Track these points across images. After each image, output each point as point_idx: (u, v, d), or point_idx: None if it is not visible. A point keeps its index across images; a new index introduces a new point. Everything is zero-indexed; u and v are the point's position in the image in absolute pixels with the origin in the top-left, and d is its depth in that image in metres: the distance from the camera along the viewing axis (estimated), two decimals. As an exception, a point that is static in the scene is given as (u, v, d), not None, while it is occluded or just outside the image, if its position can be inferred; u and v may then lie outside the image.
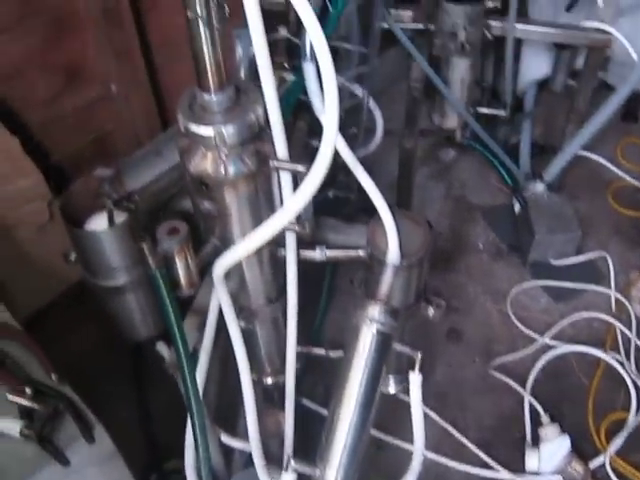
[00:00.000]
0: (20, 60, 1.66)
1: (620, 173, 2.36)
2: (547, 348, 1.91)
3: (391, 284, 1.23)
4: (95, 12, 1.66)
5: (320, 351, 1.49)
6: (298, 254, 1.24)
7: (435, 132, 2.00)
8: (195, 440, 1.12)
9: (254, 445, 1.29)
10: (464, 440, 1.73)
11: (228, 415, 1.52)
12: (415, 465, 1.27)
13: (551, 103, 2.28)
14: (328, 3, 1.23)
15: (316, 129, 1.35)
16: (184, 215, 1.35)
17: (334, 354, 1.47)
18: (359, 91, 1.62)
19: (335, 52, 1.47)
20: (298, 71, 1.37)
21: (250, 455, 1.30)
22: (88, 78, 1.80)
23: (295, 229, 1.16)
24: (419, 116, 1.80)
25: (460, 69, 1.78)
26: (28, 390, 1.06)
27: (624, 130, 2.48)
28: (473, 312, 2.01)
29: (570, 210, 2.06)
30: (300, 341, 1.32)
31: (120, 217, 1.36)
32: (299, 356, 1.35)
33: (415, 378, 1.24)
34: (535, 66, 2.11)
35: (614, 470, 1.66)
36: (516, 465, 1.69)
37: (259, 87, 1.03)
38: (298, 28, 1.44)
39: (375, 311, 1.20)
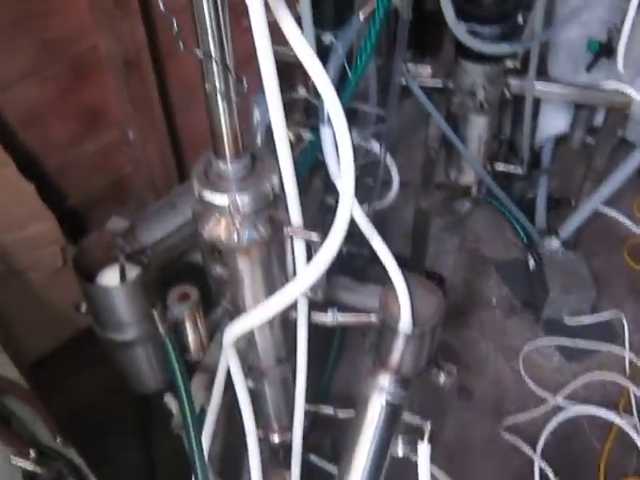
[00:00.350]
0: (39, 105, 1.68)
1: (636, 229, 2.33)
2: (558, 409, 1.88)
3: (402, 352, 1.22)
4: (116, 60, 1.67)
5: (329, 410, 1.47)
6: (309, 318, 1.23)
7: (451, 187, 1.99)
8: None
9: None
10: (473, 502, 1.71)
11: (233, 470, 1.51)
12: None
13: (568, 158, 2.27)
14: (347, 68, 1.23)
15: (332, 185, 1.35)
16: (195, 268, 1.35)
17: (343, 414, 1.45)
18: (376, 148, 1.62)
19: (353, 113, 1.48)
20: (316, 130, 1.37)
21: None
22: (106, 123, 1.81)
23: (307, 295, 1.15)
24: (435, 175, 1.79)
25: (478, 126, 1.77)
26: (32, 453, 1.05)
27: (641, 185, 2.47)
28: (484, 369, 1.99)
29: (585, 268, 2.04)
30: (308, 399, 1.30)
31: (132, 272, 1.35)
32: (307, 414, 1.33)
33: (424, 449, 1.22)
34: (553, 122, 2.11)
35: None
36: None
37: (275, 154, 1.03)
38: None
39: (385, 381, 1.19)
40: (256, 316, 1.06)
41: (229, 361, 1.17)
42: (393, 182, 1.77)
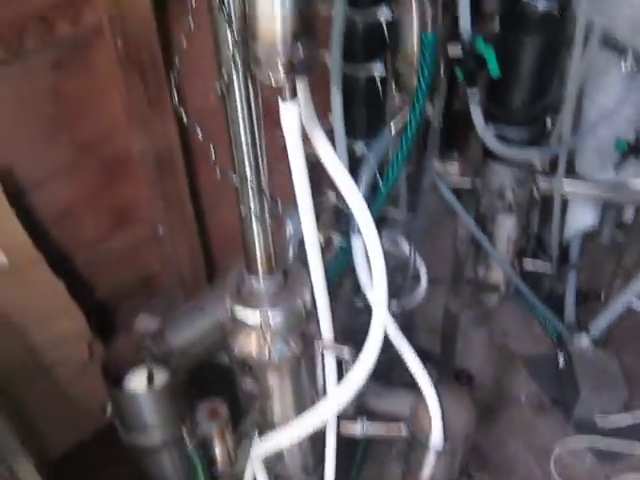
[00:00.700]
0: (72, 203, 1.70)
1: (668, 326, 2.30)
2: (591, 515, 1.82)
3: (433, 467, 1.19)
4: (148, 159, 1.70)
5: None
6: (338, 430, 1.22)
7: (479, 283, 1.98)
8: None
9: None
10: None
11: None
12: None
13: (597, 252, 2.26)
14: (379, 179, 1.24)
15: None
16: (223, 369, 1.33)
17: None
18: (405, 248, 1.62)
19: (383, 218, 1.48)
20: (345, 234, 1.37)
21: None
22: (137, 220, 1.83)
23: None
24: (464, 278, 1.79)
25: (506, 227, 1.77)
26: None
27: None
28: (515, 470, 1.93)
29: (617, 366, 2.01)
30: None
31: (160, 376, 1.34)
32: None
33: None
34: (581, 218, 2.10)
35: None
36: None
37: (307, 268, 1.03)
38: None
39: (417, 499, 1.16)
40: (286, 436, 1.04)
41: (256, 473, 1.15)
42: (421, 280, 1.76)
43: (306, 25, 0.74)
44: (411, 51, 1.17)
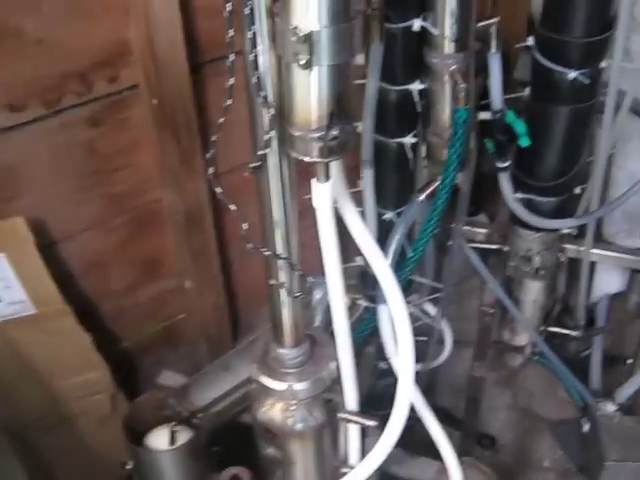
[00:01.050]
0: (101, 254, 1.72)
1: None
2: None
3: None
4: (177, 214, 1.72)
5: None
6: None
7: (504, 346, 1.97)
8: None
9: None
10: None
11: None
12: None
13: (624, 315, 2.23)
14: (407, 245, 1.24)
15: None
16: (245, 428, 1.33)
17: None
18: (432, 311, 1.62)
19: (410, 283, 1.48)
20: (372, 299, 1.38)
21: None
22: (164, 273, 1.85)
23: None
24: (490, 341, 1.78)
25: (534, 291, 1.76)
26: None
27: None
28: (538, 538, 1.90)
29: (644, 435, 1.97)
30: None
31: (182, 436, 1.34)
32: None
33: None
34: (609, 282, 2.08)
35: None
36: None
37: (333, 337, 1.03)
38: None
39: None
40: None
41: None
42: (446, 343, 1.76)
43: (342, 105, 0.75)
44: (443, 125, 1.19)
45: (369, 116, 1.11)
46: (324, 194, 0.80)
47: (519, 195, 1.56)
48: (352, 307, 1.47)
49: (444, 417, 2.04)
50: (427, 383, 1.78)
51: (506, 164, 1.37)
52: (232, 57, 0.73)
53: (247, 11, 0.72)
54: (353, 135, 0.78)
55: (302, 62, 0.69)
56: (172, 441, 1.33)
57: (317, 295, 1.30)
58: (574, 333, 1.96)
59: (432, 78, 1.16)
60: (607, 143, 1.55)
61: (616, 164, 1.85)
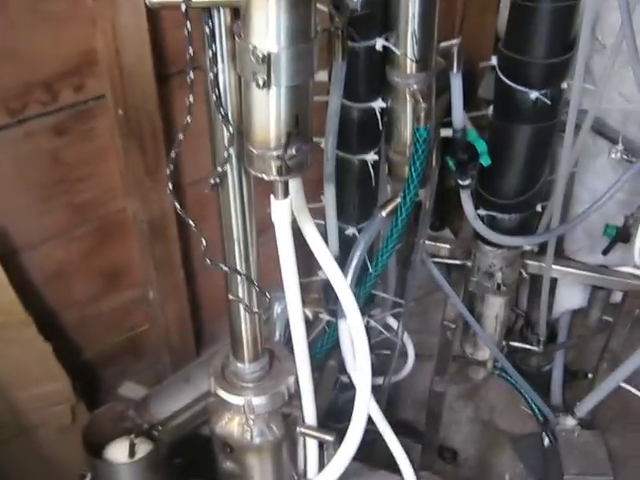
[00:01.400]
0: (64, 264, 1.70)
1: (655, 406, 2.29)
2: None
3: None
4: (142, 223, 1.71)
5: None
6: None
7: (466, 360, 1.98)
8: None
9: None
10: None
11: None
12: None
13: (585, 330, 2.26)
14: (368, 263, 1.25)
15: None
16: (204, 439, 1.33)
17: None
18: (394, 325, 1.63)
19: (372, 298, 1.49)
20: (333, 312, 1.38)
21: None
22: (127, 283, 1.84)
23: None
24: (451, 355, 1.80)
25: (495, 306, 1.78)
26: None
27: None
28: None
29: (603, 449, 1.99)
30: None
31: (142, 447, 1.33)
32: None
33: None
34: (570, 298, 2.11)
35: None
36: None
37: (292, 352, 1.04)
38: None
39: None
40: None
41: None
42: (409, 356, 1.77)
43: (301, 125, 0.76)
44: (404, 143, 1.20)
45: (331, 133, 1.12)
46: (283, 211, 0.81)
47: (481, 212, 1.58)
48: (315, 320, 1.48)
49: (406, 430, 2.06)
50: (389, 396, 1.79)
51: (467, 182, 1.39)
52: (191, 75, 0.73)
53: (207, 30, 0.73)
54: (311, 154, 0.78)
55: (260, 82, 0.70)
56: (131, 453, 1.33)
57: (277, 309, 1.30)
58: (535, 348, 1.99)
59: (394, 97, 1.17)
60: (568, 162, 1.58)
61: (578, 182, 1.88)
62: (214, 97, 0.77)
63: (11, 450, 1.68)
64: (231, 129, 0.78)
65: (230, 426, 1.03)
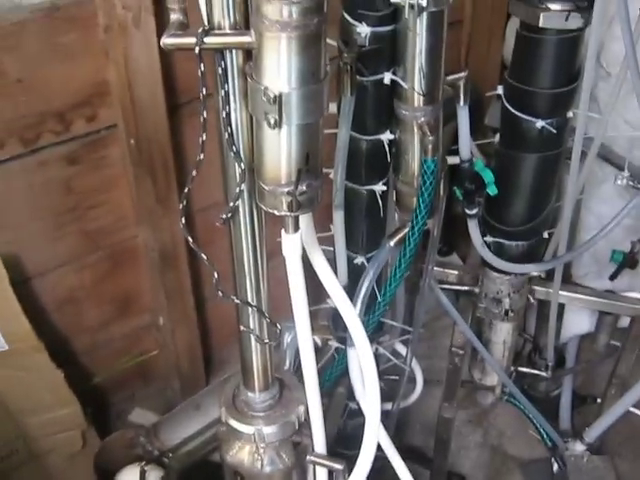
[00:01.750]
0: (75, 291, 1.73)
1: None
2: None
3: None
4: (153, 251, 1.74)
5: None
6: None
7: (474, 385, 1.99)
8: None
9: None
10: None
11: None
12: None
13: (594, 355, 2.26)
14: (377, 292, 1.27)
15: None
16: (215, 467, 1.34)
17: None
18: (403, 351, 1.64)
19: (380, 325, 1.50)
20: (342, 340, 1.40)
21: None
22: (138, 309, 1.86)
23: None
24: (460, 382, 1.80)
25: (503, 332, 1.79)
26: None
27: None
28: None
29: (612, 475, 1.99)
30: None
31: (152, 474, 1.35)
32: None
33: None
34: (578, 323, 2.12)
35: None
36: None
37: (302, 382, 1.05)
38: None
39: None
40: None
41: None
42: (417, 382, 1.78)
43: (311, 162, 0.77)
44: (412, 174, 1.22)
45: (340, 164, 1.14)
46: (293, 245, 0.83)
47: (488, 238, 1.59)
48: (324, 347, 1.49)
49: (414, 456, 2.06)
50: (398, 422, 1.80)
51: (474, 211, 1.40)
52: (204, 114, 0.75)
53: (220, 70, 0.75)
54: (321, 189, 0.80)
55: (272, 122, 0.72)
56: (142, 480, 1.34)
57: (287, 338, 1.32)
58: (544, 374, 1.99)
59: (402, 129, 1.19)
60: (574, 189, 1.59)
61: (585, 207, 1.89)
62: (226, 135, 0.78)
63: (22, 476, 1.70)
64: (243, 166, 0.80)
65: (241, 455, 1.04)
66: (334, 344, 1.45)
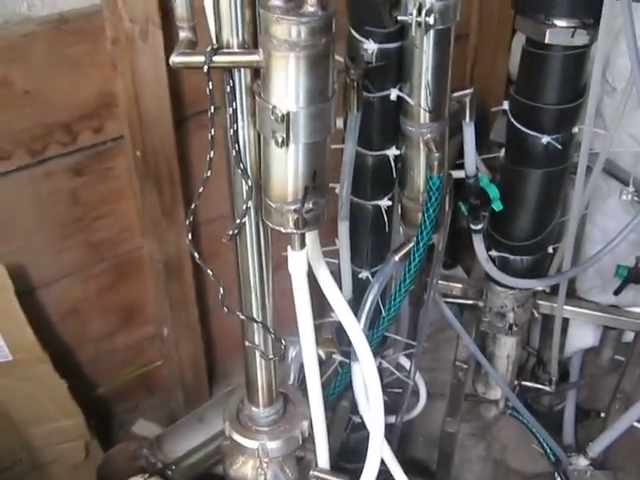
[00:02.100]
0: (80, 302, 1.74)
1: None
2: None
3: None
4: (158, 262, 1.74)
5: None
6: None
7: (478, 399, 1.98)
8: None
9: None
10: None
11: None
12: None
13: (598, 369, 2.26)
14: (381, 306, 1.27)
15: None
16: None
17: None
18: (407, 365, 1.64)
19: (384, 339, 1.50)
20: (346, 355, 1.40)
21: None
22: (142, 320, 1.86)
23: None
24: (463, 396, 1.80)
25: (507, 346, 1.79)
26: None
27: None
28: None
29: (615, 491, 1.99)
30: None
31: (154, 488, 1.35)
32: None
33: None
34: (582, 338, 2.11)
35: None
36: None
37: (306, 397, 1.05)
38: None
39: None
40: None
41: None
42: (420, 396, 1.77)
43: (317, 180, 0.78)
44: (418, 189, 1.22)
45: (346, 179, 1.15)
46: (299, 262, 0.83)
47: (493, 253, 1.59)
48: (328, 360, 1.49)
49: (417, 469, 2.06)
50: (401, 435, 1.80)
51: (479, 227, 1.40)
52: (212, 132, 0.76)
53: (228, 89, 0.75)
54: (328, 207, 0.80)
55: (279, 140, 0.72)
56: (145, 496, 1.34)
57: (292, 353, 1.32)
58: (547, 388, 1.98)
59: (408, 145, 1.19)
60: (580, 204, 1.59)
61: (590, 222, 1.89)
62: (234, 152, 0.79)
63: (25, 487, 1.70)
64: (250, 183, 0.80)
65: (244, 469, 1.04)
66: (338, 357, 1.45)
